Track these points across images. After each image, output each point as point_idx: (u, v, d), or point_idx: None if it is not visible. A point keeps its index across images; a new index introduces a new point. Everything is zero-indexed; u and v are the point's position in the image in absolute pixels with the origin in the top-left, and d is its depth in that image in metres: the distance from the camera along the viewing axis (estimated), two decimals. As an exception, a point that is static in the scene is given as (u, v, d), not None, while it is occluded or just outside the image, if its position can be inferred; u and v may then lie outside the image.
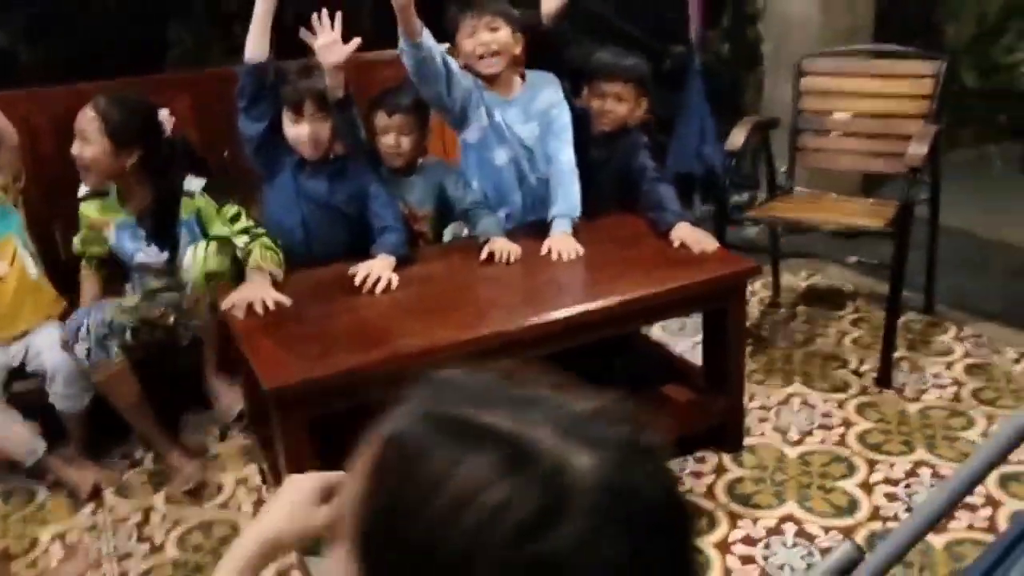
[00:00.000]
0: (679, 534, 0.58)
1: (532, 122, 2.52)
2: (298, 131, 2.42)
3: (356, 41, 2.31)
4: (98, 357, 2.32)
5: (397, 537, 0.55)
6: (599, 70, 2.63)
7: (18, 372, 2.44)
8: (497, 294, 2.25)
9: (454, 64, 2.41)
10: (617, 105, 2.62)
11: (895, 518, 2.10)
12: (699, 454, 2.41)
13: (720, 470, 2.36)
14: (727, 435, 2.42)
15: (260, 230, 2.42)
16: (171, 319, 2.47)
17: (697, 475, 2.34)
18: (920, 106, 2.92)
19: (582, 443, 0.54)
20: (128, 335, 2.39)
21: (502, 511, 0.51)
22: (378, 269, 2.27)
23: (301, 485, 0.85)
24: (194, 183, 2.54)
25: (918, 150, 2.63)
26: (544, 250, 2.40)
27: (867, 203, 3.08)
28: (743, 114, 3.69)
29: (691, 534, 0.59)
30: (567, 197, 2.48)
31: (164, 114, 2.59)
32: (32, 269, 2.51)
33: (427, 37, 2.28)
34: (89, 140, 2.38)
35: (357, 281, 2.23)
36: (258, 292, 2.18)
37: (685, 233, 2.39)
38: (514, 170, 2.55)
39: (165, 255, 2.52)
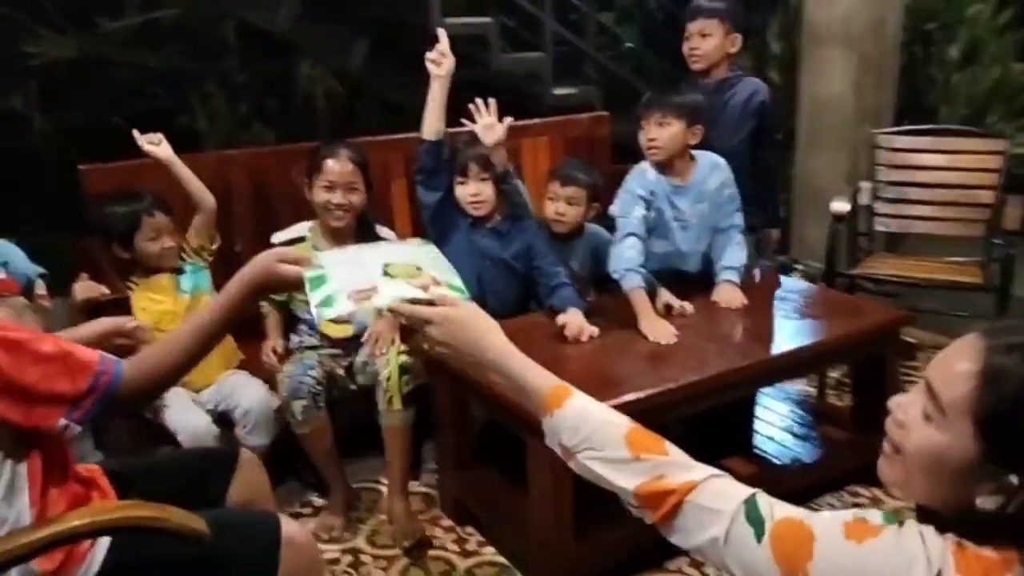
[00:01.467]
0: None
1: (704, 203, 2.69)
2: (465, 191, 2.68)
3: (508, 120, 2.63)
4: (311, 413, 2.43)
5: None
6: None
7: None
8: (693, 341, 2.45)
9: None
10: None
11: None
12: (851, 488, 2.65)
13: (877, 501, 2.61)
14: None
15: None
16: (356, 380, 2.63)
17: (859, 507, 2.58)
18: (991, 178, 3.32)
19: None
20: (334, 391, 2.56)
21: None
22: (580, 319, 2.46)
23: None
24: (385, 232, 2.72)
25: (1014, 213, 3.02)
26: (714, 297, 2.65)
27: (950, 263, 3.43)
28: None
29: None
30: (734, 255, 2.72)
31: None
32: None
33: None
34: (358, 189, 2.62)
35: (570, 333, 2.41)
36: None
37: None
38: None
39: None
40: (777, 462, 2.61)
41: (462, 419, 2.49)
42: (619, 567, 2.25)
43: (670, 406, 2.17)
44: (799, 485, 2.47)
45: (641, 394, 2.10)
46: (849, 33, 4.31)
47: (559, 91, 4.65)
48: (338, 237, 2.61)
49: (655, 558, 2.32)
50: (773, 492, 1.06)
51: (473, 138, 2.68)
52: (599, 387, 1.94)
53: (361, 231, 2.64)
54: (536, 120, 3.66)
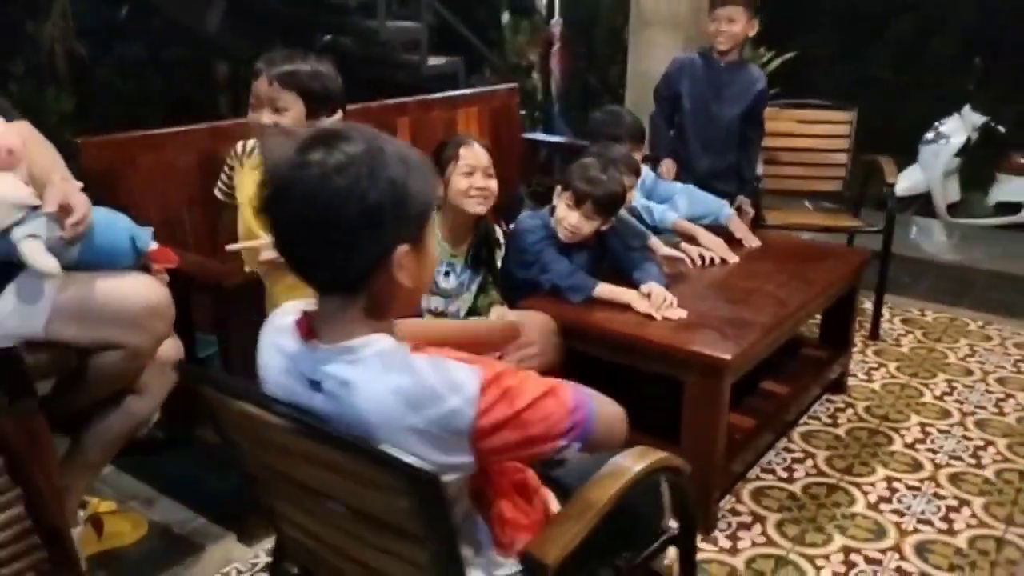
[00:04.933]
0: None
1: None
2: (568, 217, 2.74)
3: None
4: None
5: None
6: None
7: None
8: (752, 284, 2.86)
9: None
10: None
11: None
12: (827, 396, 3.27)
13: (848, 405, 3.25)
14: (840, 383, 3.32)
15: None
16: None
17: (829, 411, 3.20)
18: (843, 142, 4.10)
19: None
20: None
21: None
22: (663, 290, 2.67)
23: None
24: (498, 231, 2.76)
25: (890, 167, 3.80)
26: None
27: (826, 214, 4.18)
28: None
29: None
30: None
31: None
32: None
33: None
34: (492, 175, 2.58)
35: (655, 302, 2.61)
36: None
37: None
38: None
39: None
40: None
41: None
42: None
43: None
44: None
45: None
46: (675, 16, 4.92)
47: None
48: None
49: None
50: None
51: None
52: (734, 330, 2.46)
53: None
54: (467, 91, 3.82)
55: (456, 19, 5.09)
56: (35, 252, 1.80)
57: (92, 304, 1.93)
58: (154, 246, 2.05)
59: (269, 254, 2.09)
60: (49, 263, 1.80)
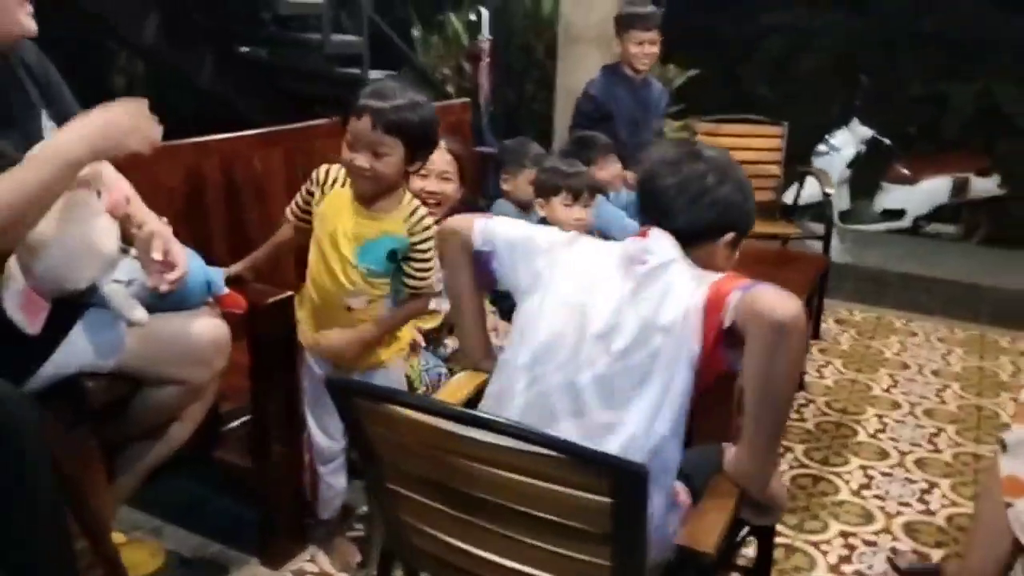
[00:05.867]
0: None
1: None
2: (569, 214, 2.81)
3: None
4: None
5: None
6: None
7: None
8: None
9: None
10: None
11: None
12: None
13: (809, 401, 3.47)
14: (800, 380, 3.54)
15: None
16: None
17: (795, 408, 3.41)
18: (776, 155, 4.36)
19: None
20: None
21: None
22: None
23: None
24: None
25: (826, 178, 4.07)
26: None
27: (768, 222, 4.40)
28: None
29: None
30: None
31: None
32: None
33: None
34: (450, 179, 2.58)
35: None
36: None
37: None
38: None
39: None
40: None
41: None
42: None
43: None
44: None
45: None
46: (603, 35, 5.08)
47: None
48: None
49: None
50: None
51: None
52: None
53: None
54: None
55: (393, 32, 5.11)
56: (124, 301, 1.77)
57: (162, 342, 1.90)
58: (225, 290, 2.01)
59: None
60: (137, 314, 1.77)
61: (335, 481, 2.37)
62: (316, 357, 2.25)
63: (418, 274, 2.17)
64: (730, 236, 1.67)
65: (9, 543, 1.49)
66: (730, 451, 1.58)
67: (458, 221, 1.86)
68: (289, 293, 2.31)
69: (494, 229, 1.80)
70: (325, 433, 2.30)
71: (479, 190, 4.09)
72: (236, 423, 2.46)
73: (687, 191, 1.63)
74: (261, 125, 3.18)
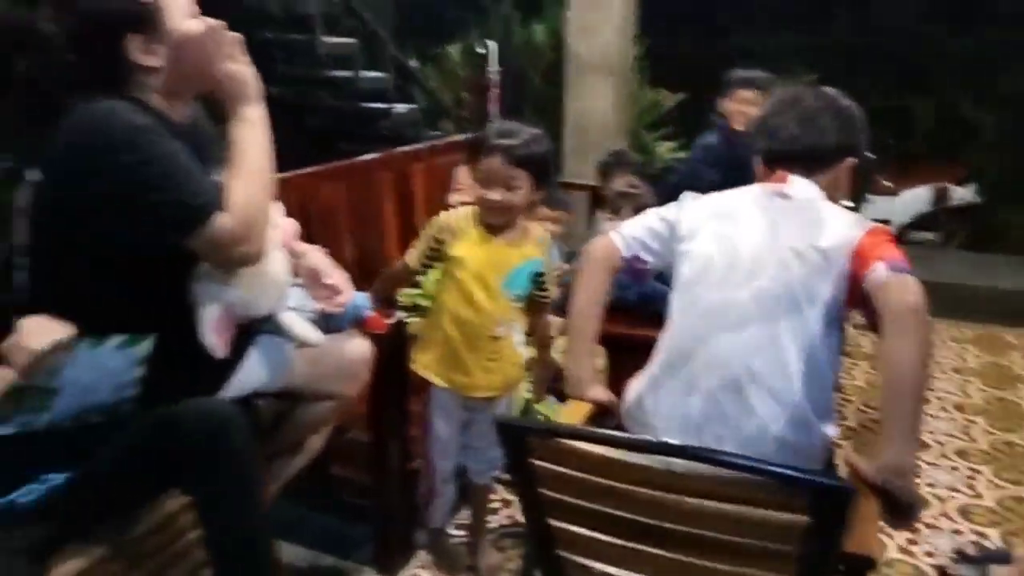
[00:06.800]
0: None
1: None
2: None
3: None
4: None
5: None
6: None
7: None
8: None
9: None
10: None
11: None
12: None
13: (847, 401, 3.68)
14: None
15: None
16: None
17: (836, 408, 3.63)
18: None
19: None
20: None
21: None
22: None
23: None
24: None
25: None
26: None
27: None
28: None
29: None
30: None
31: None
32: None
33: None
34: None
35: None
36: None
37: None
38: None
39: None
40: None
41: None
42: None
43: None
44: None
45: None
46: (608, 63, 5.31)
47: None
48: None
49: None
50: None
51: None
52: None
53: None
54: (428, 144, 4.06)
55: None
56: (298, 324, 1.92)
57: (322, 362, 2.04)
58: (371, 313, 2.16)
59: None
60: (312, 335, 1.92)
61: (447, 491, 2.51)
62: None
63: (550, 285, 2.36)
64: (850, 161, 1.84)
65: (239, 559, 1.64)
66: (859, 459, 1.60)
67: (598, 243, 2.04)
68: (402, 316, 2.48)
69: (627, 231, 2.00)
70: (445, 452, 2.45)
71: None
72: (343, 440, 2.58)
73: (807, 116, 1.83)
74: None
